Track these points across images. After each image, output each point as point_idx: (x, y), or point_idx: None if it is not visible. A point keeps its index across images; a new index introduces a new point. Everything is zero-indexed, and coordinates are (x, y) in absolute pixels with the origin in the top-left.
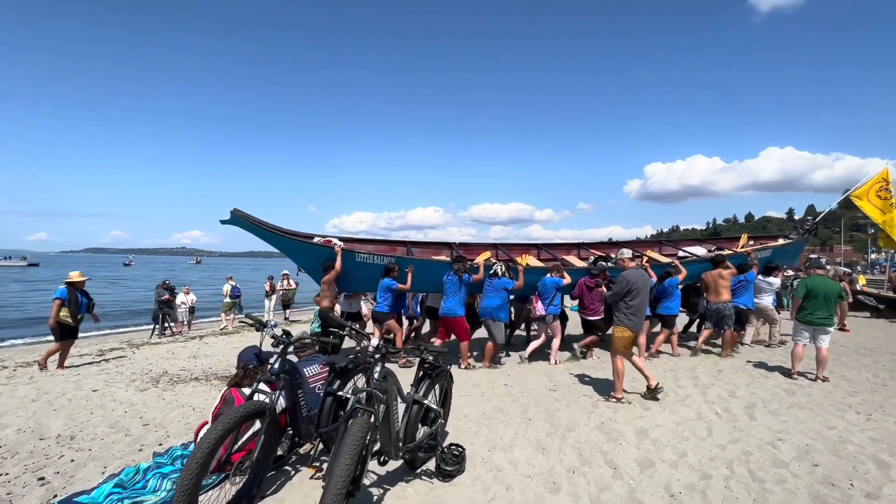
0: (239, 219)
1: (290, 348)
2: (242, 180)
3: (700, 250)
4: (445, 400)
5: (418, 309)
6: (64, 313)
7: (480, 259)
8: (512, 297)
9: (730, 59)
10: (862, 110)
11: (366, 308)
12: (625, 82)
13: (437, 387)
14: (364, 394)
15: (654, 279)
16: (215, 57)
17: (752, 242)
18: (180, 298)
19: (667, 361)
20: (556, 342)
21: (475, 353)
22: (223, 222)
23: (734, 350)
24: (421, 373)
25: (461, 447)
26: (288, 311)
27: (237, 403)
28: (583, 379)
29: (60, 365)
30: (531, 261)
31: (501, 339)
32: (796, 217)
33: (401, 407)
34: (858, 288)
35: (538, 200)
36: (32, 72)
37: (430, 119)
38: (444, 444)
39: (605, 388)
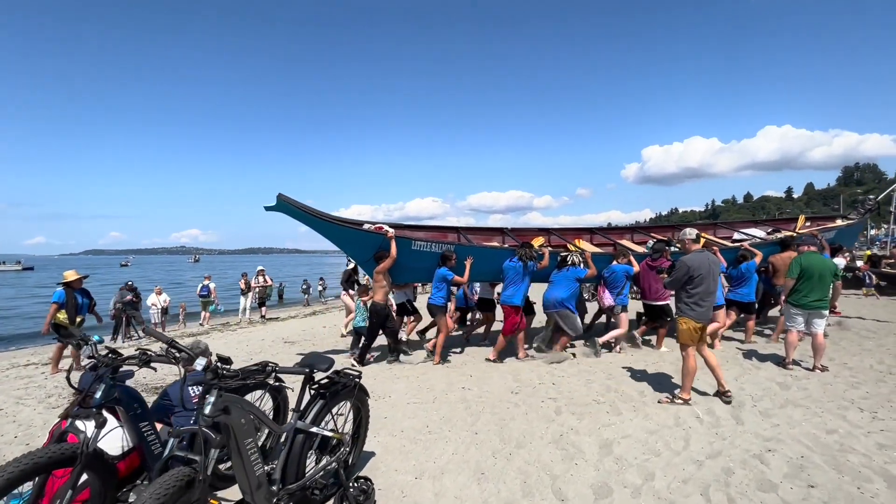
0: (285, 204)
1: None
2: (239, 176)
3: (758, 232)
4: (360, 421)
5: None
6: (63, 316)
7: (536, 243)
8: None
9: (726, 39)
10: (860, 85)
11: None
12: (621, 66)
13: (344, 406)
14: (197, 433)
15: (725, 264)
16: (207, 52)
17: (808, 224)
18: (151, 299)
19: (649, 353)
20: (621, 332)
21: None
22: (268, 209)
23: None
24: (311, 393)
25: (369, 481)
26: (263, 308)
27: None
28: (553, 378)
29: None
30: (586, 246)
31: (578, 329)
32: (795, 196)
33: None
34: (858, 265)
35: (536, 187)
36: (25, 73)
37: (428, 110)
38: (355, 477)
39: (575, 389)
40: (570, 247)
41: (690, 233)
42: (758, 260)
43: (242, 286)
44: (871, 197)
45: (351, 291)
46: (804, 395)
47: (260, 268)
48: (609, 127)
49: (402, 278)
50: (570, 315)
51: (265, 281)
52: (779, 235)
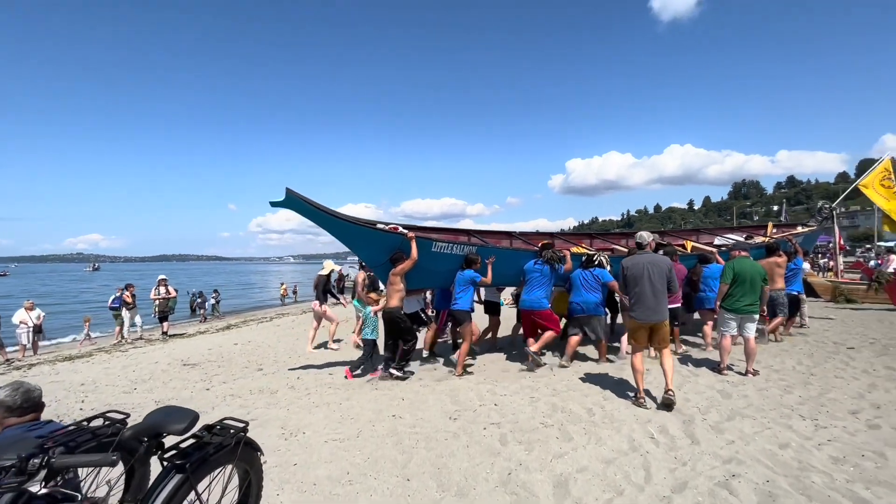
0: (295, 199)
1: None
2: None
3: (738, 238)
4: (248, 489)
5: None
6: None
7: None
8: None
9: (637, 63)
10: (745, 111)
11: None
12: (546, 82)
13: (223, 473)
14: None
15: (683, 270)
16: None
17: (775, 231)
18: (19, 316)
19: (594, 366)
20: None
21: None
22: (274, 204)
23: (784, 335)
24: (163, 466)
25: None
26: (165, 324)
27: None
28: (494, 397)
29: None
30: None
31: (606, 333)
32: (696, 208)
33: None
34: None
35: (469, 195)
36: None
37: (357, 114)
38: None
39: (519, 410)
40: (575, 250)
41: (640, 236)
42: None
43: (127, 299)
44: (827, 206)
45: (326, 302)
46: (746, 403)
47: (161, 277)
48: (537, 139)
49: (418, 283)
50: (602, 319)
51: (167, 292)
52: (756, 240)
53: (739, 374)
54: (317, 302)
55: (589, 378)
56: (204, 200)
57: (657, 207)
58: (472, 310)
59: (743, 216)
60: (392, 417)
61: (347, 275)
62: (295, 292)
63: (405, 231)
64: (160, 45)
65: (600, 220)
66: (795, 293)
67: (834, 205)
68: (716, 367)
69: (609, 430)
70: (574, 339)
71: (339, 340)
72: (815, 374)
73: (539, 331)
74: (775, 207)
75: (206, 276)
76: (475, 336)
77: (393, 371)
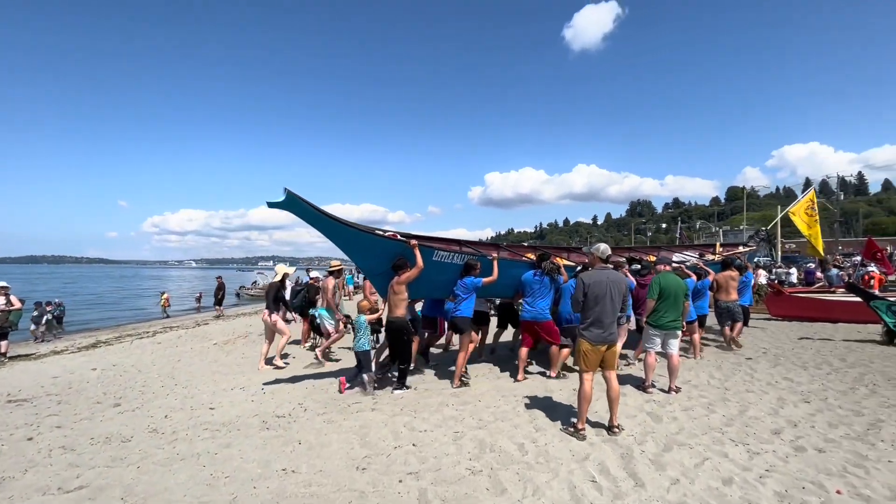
0: (295, 201)
1: None
2: (11, 163)
3: (693, 256)
4: None
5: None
6: None
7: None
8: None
9: (551, 86)
10: (641, 138)
11: None
12: (468, 96)
13: None
14: None
15: (634, 282)
16: None
17: (721, 249)
18: None
19: (519, 387)
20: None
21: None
22: (272, 205)
23: (735, 345)
24: None
25: None
26: (3, 343)
27: None
28: (413, 434)
29: None
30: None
31: None
32: (599, 223)
33: None
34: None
35: (390, 202)
36: None
37: (269, 113)
38: None
39: (442, 451)
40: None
41: (599, 249)
42: (710, 278)
43: None
44: (764, 229)
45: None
46: (677, 427)
47: (2, 284)
48: (459, 151)
49: (416, 293)
50: None
51: (8, 303)
52: (709, 257)
53: (663, 391)
54: (266, 311)
55: (517, 402)
56: (88, 195)
57: (566, 221)
58: (486, 317)
59: (638, 232)
60: (282, 473)
61: (255, 282)
62: (199, 300)
63: (408, 239)
64: (36, 27)
65: (515, 231)
66: (747, 304)
67: (769, 228)
68: (640, 385)
69: (545, 473)
70: (565, 351)
71: (286, 355)
72: (729, 389)
73: (539, 343)
74: (664, 225)
75: (77, 283)
76: (472, 345)
77: (395, 391)
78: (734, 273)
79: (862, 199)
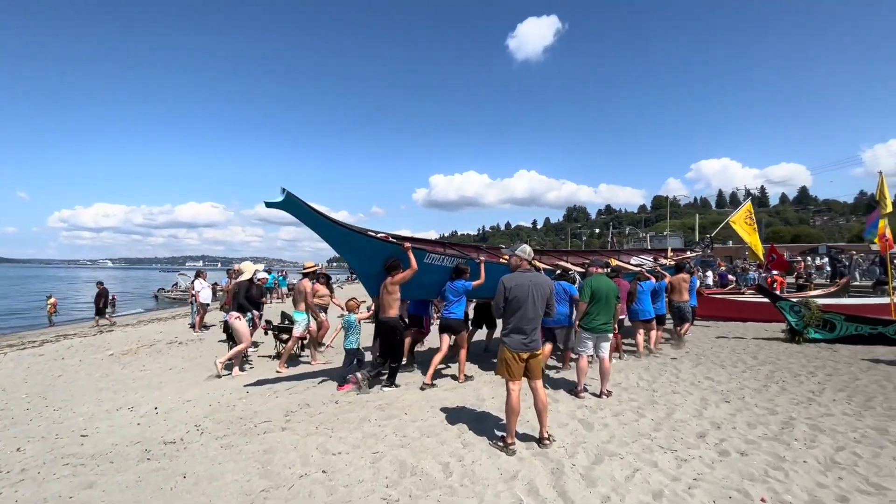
0: (294, 201)
1: None
2: None
3: (648, 258)
4: None
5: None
6: None
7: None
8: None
9: (495, 92)
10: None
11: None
12: (414, 98)
13: None
14: None
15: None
16: None
17: (671, 254)
18: None
19: (452, 396)
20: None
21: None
22: (269, 205)
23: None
24: None
25: None
26: None
27: None
28: (324, 455)
29: None
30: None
31: (569, 343)
32: (538, 227)
33: None
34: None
35: (333, 202)
36: None
37: (208, 107)
38: None
39: (356, 477)
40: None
41: (525, 251)
42: (667, 280)
43: None
44: (708, 236)
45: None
46: (608, 435)
47: None
48: (403, 151)
49: (407, 293)
50: (570, 329)
51: None
52: (662, 261)
53: (595, 395)
54: (234, 314)
55: (446, 415)
56: None
57: (507, 225)
58: (467, 318)
59: (574, 237)
60: None
61: (177, 283)
62: (112, 304)
63: (398, 241)
64: None
65: (459, 233)
66: (694, 305)
67: (713, 234)
68: (573, 389)
69: (470, 498)
70: (547, 348)
71: (247, 357)
72: (657, 391)
73: None
74: (597, 230)
75: None
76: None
77: (385, 388)
78: (686, 276)
79: (763, 210)
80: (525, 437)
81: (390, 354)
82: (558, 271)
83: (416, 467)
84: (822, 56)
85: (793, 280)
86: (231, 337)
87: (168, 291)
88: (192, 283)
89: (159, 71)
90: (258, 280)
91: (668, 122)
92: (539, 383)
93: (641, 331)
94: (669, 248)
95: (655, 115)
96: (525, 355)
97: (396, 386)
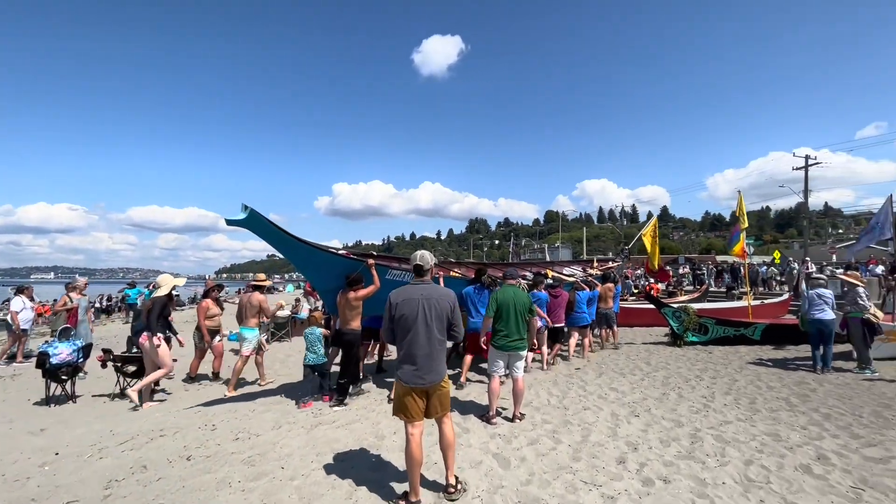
0: (257, 217)
1: None
2: None
3: (577, 269)
4: None
5: None
6: None
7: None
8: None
9: (399, 105)
10: (478, 161)
11: None
12: (319, 105)
13: None
14: None
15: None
16: None
17: (595, 264)
18: None
19: (329, 431)
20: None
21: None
22: (230, 222)
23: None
24: None
25: None
26: None
27: None
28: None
29: None
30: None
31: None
32: (442, 238)
33: None
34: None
35: (223, 208)
36: None
37: (83, 105)
38: None
39: None
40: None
41: (421, 257)
42: (598, 289)
43: None
44: (627, 248)
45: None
46: (528, 473)
47: None
48: (304, 158)
49: (368, 308)
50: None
51: None
52: (590, 271)
53: (507, 419)
54: (147, 334)
55: (337, 464)
56: None
57: (412, 235)
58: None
59: (476, 247)
60: None
61: (8, 300)
62: None
63: (360, 258)
64: None
65: (364, 243)
66: (617, 311)
67: (630, 246)
68: (484, 415)
69: None
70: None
71: (162, 391)
72: (568, 408)
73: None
74: (497, 241)
75: None
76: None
77: (336, 408)
78: (611, 285)
79: (634, 225)
80: (434, 486)
81: (343, 369)
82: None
83: None
84: (677, 95)
85: (663, 287)
86: (51, 374)
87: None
88: (10, 301)
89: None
90: (174, 294)
91: (556, 142)
92: (446, 420)
93: (576, 335)
94: (595, 259)
95: (546, 136)
96: (423, 389)
97: (345, 405)
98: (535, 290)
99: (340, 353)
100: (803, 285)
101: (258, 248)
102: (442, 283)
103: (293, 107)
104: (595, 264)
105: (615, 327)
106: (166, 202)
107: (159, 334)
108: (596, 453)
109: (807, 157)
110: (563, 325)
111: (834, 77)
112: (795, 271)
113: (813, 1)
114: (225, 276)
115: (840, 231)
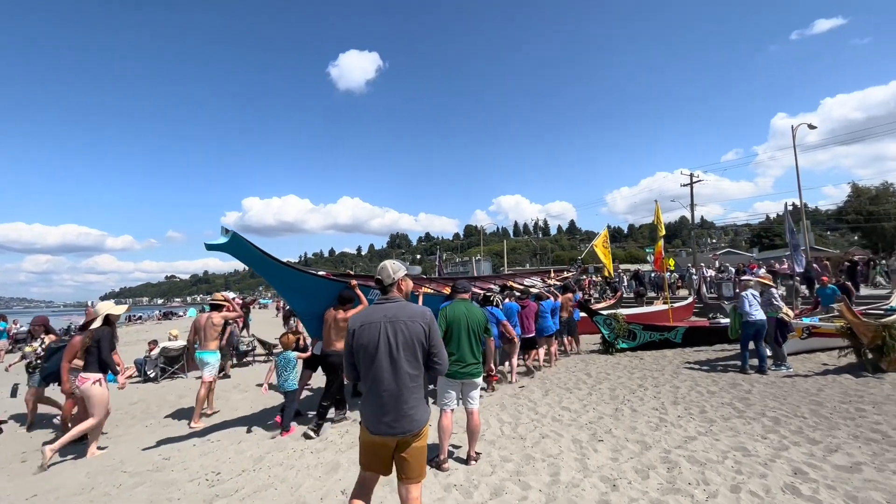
0: (241, 242)
1: None
2: None
3: (538, 280)
4: None
5: None
6: None
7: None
8: None
9: (317, 119)
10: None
11: None
12: (225, 115)
13: None
14: None
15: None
16: None
17: (553, 274)
18: None
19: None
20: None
21: None
22: (211, 247)
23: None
24: None
25: None
26: None
27: None
28: None
29: None
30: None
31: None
32: (363, 253)
33: None
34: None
35: (113, 226)
36: None
37: None
38: None
39: None
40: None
41: (389, 269)
42: (560, 299)
43: None
44: (580, 259)
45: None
46: None
47: None
48: (210, 173)
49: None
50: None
51: None
52: (549, 281)
53: (461, 461)
54: (90, 375)
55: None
56: None
57: (332, 251)
58: None
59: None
60: None
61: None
62: None
63: (342, 279)
64: None
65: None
66: (577, 318)
67: (583, 256)
68: (434, 459)
69: None
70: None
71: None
72: (526, 438)
73: None
74: (419, 256)
75: None
76: None
77: (310, 433)
78: (570, 295)
79: (546, 238)
80: None
81: (326, 391)
82: (484, 295)
83: None
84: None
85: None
86: None
87: None
88: None
89: None
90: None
91: (474, 159)
92: (412, 488)
93: (544, 346)
94: (552, 270)
95: (463, 152)
96: (393, 440)
97: (317, 436)
98: (508, 301)
99: (325, 377)
100: (734, 290)
101: (152, 270)
102: (421, 300)
103: (199, 115)
104: (552, 275)
105: (577, 335)
106: (36, 219)
107: (99, 374)
108: (574, 499)
109: (691, 176)
110: (533, 334)
111: (704, 108)
112: (695, 277)
113: (689, 42)
114: (112, 301)
115: (714, 240)
